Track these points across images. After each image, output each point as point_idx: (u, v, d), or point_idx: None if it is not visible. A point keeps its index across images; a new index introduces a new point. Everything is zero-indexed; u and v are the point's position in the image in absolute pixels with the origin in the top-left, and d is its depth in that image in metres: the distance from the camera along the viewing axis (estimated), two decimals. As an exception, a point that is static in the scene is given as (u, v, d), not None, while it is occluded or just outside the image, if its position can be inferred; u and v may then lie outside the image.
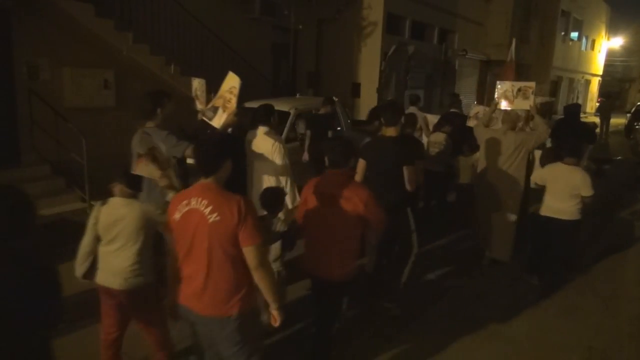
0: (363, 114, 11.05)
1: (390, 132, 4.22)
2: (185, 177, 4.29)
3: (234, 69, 10.77)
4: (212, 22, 9.92)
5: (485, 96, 19.67)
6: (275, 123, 4.57)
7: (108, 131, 8.39)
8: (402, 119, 4.49)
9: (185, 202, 2.55)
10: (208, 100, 4.82)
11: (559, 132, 6.76)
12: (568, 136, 5.82)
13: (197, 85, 5.27)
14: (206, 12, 9.96)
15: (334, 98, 8.14)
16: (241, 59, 10.53)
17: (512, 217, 5.47)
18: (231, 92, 4.20)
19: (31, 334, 2.08)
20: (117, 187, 3.08)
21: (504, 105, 5.54)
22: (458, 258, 5.88)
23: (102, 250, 3.06)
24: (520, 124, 5.68)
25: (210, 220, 2.44)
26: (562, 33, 27.05)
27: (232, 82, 4.28)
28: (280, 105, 8.07)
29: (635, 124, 17.23)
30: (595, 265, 5.79)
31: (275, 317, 2.66)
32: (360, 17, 14.56)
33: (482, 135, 5.54)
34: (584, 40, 31.14)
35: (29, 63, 7.38)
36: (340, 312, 3.72)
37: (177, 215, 2.56)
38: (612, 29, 37.11)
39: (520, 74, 23.06)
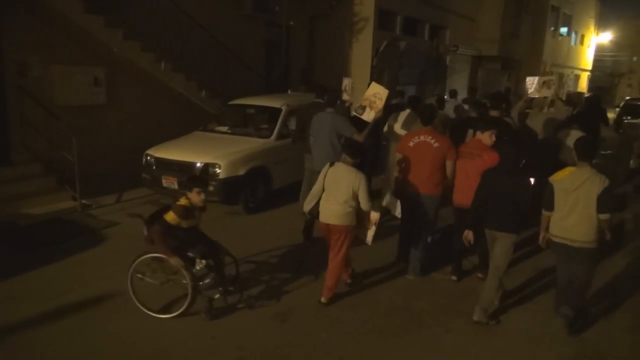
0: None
1: (494, 113, 6.01)
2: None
3: (226, 65, 10.73)
4: (203, 18, 9.82)
5: (478, 91, 19.65)
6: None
7: (99, 129, 8.30)
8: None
9: (416, 137, 4.95)
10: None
11: (584, 118, 8.10)
12: (593, 120, 8.23)
13: (347, 82, 7.01)
14: (198, 9, 9.85)
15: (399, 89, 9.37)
16: (233, 55, 10.45)
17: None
18: (375, 96, 6.00)
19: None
20: (343, 156, 4.45)
21: (532, 94, 7.07)
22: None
23: (325, 198, 4.42)
24: (545, 109, 7.46)
25: (434, 146, 4.83)
26: (552, 28, 27.11)
27: (376, 89, 6.06)
28: (272, 102, 8.04)
29: (624, 118, 17.38)
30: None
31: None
32: (352, 13, 14.50)
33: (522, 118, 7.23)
34: (573, 35, 31.24)
35: (18, 60, 7.27)
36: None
37: (411, 144, 4.93)
38: (601, 24, 37.28)
39: (511, 69, 23.22)
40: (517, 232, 4.23)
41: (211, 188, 6.56)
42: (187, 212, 4.06)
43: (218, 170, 6.56)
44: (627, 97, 24.64)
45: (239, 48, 10.94)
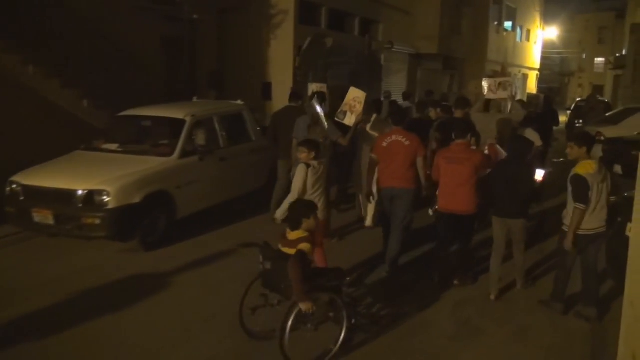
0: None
1: (459, 114, 7.55)
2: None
3: (118, 66, 10.40)
4: (88, 11, 9.55)
5: (417, 94, 20.46)
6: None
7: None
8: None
9: (388, 137, 6.23)
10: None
11: (540, 119, 9.80)
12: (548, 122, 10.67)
13: (315, 87, 8.80)
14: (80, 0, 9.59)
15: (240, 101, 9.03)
16: (126, 54, 10.21)
17: None
18: (355, 101, 7.20)
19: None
20: (304, 154, 5.42)
21: (489, 95, 8.32)
22: (403, 283, 6.03)
23: (309, 197, 5.26)
24: (502, 109, 8.54)
25: (406, 144, 6.10)
26: (495, 23, 28.92)
27: (355, 94, 7.29)
28: (174, 112, 7.91)
29: (576, 121, 18.54)
30: (544, 282, 6.12)
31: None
32: (269, 5, 14.67)
33: (480, 119, 7.93)
34: (518, 30, 33.51)
35: None
36: (472, 234, 6.13)
37: (384, 144, 6.21)
38: (547, 19, 40.34)
39: (454, 69, 24.43)
40: (526, 216, 5.53)
41: (97, 221, 6.30)
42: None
43: (106, 199, 6.30)
44: (578, 99, 26.55)
45: (134, 47, 10.72)
